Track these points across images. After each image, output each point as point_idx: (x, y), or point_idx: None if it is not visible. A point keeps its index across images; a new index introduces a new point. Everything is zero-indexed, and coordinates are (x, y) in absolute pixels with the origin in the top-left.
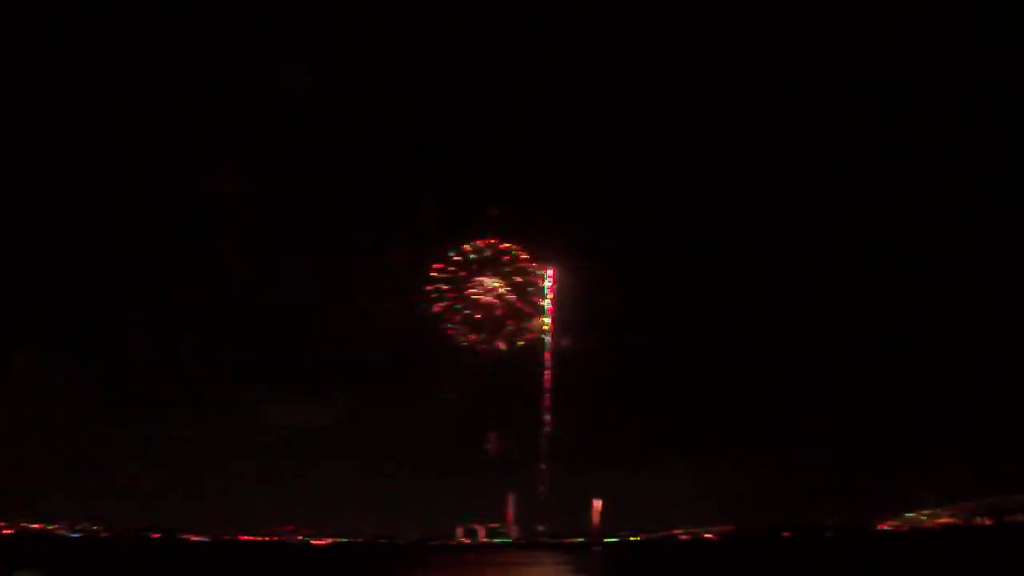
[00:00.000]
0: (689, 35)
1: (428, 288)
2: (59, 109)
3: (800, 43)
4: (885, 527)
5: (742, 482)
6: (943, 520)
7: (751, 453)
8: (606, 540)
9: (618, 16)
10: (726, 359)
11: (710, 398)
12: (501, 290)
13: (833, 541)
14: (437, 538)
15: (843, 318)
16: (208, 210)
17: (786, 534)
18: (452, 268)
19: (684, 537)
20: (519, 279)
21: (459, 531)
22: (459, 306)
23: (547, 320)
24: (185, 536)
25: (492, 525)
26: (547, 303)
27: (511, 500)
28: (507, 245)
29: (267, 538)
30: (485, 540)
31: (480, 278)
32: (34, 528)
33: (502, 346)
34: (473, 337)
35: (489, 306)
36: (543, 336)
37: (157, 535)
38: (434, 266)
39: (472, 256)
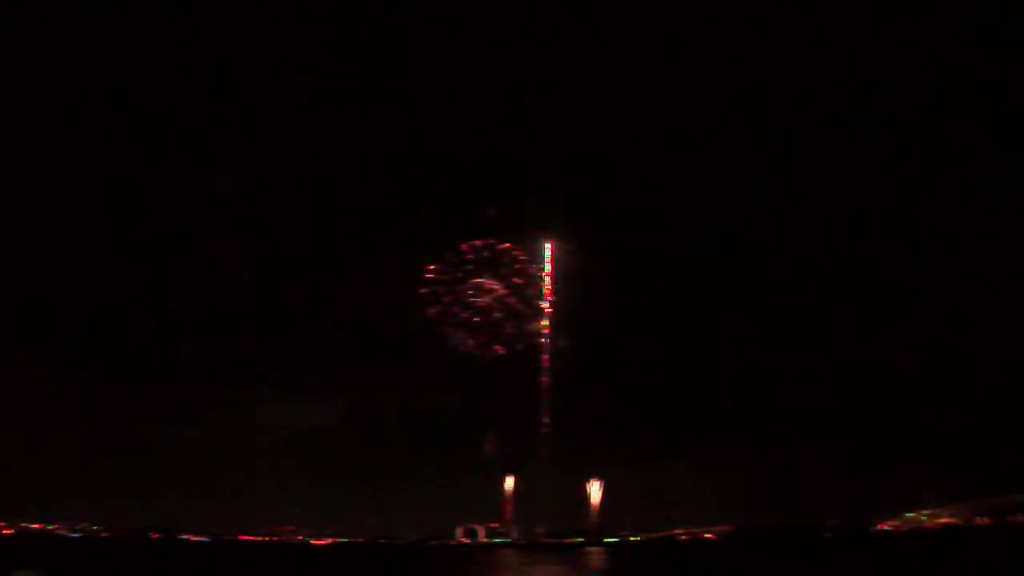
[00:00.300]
0: (688, 34)
1: (426, 290)
2: (59, 109)
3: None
4: (885, 527)
5: (742, 482)
6: (943, 520)
7: (751, 453)
8: (606, 540)
9: (618, 15)
10: (726, 360)
11: (710, 398)
12: (499, 293)
13: (833, 541)
14: (437, 538)
15: (843, 319)
16: (208, 211)
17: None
18: (450, 270)
19: (684, 537)
20: (518, 280)
21: (459, 531)
22: (457, 309)
23: (545, 322)
24: (185, 536)
25: (492, 525)
26: (546, 278)
27: (511, 500)
28: (505, 246)
29: (267, 538)
30: (485, 540)
31: (478, 280)
32: (34, 528)
33: (501, 350)
34: (472, 340)
35: (487, 308)
36: (542, 337)
37: (157, 535)
38: (432, 267)
39: (470, 257)
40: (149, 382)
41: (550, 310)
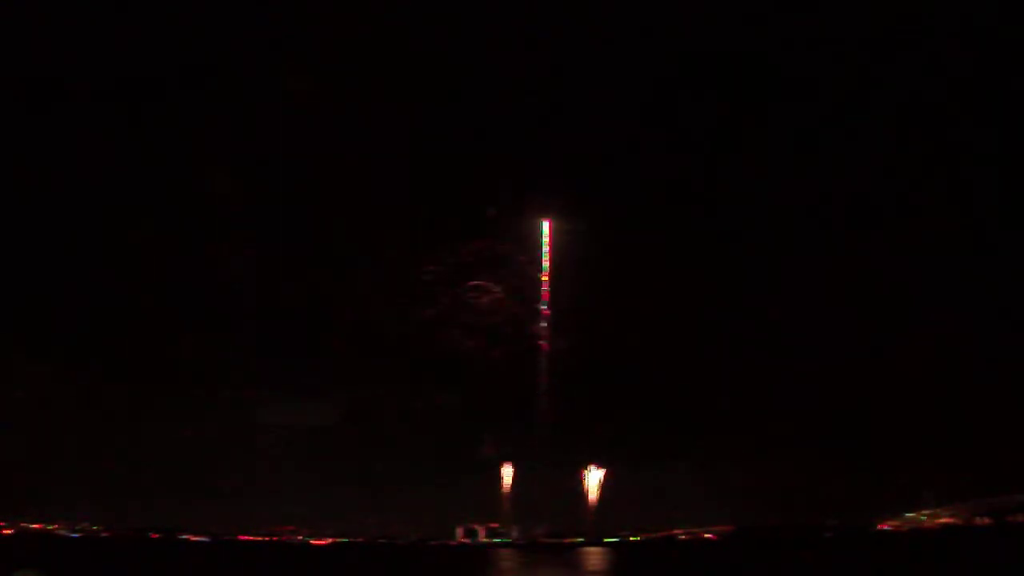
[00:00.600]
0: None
1: (425, 291)
2: (59, 109)
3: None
4: (885, 527)
5: (742, 482)
6: (943, 520)
7: (751, 453)
8: (606, 540)
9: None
10: (726, 358)
11: (710, 397)
12: (499, 295)
13: (833, 541)
14: (437, 538)
15: (844, 319)
16: (208, 211)
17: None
18: (449, 270)
19: (684, 537)
20: (516, 282)
21: (459, 531)
22: (457, 309)
23: (545, 309)
24: (185, 536)
25: (492, 525)
26: (544, 258)
27: (511, 500)
28: (505, 247)
29: (267, 538)
30: (485, 540)
31: (477, 282)
32: (34, 528)
33: (499, 351)
34: (471, 341)
35: (486, 309)
36: (541, 337)
37: (157, 535)
38: (431, 268)
39: (469, 259)
40: (149, 382)
41: (547, 293)
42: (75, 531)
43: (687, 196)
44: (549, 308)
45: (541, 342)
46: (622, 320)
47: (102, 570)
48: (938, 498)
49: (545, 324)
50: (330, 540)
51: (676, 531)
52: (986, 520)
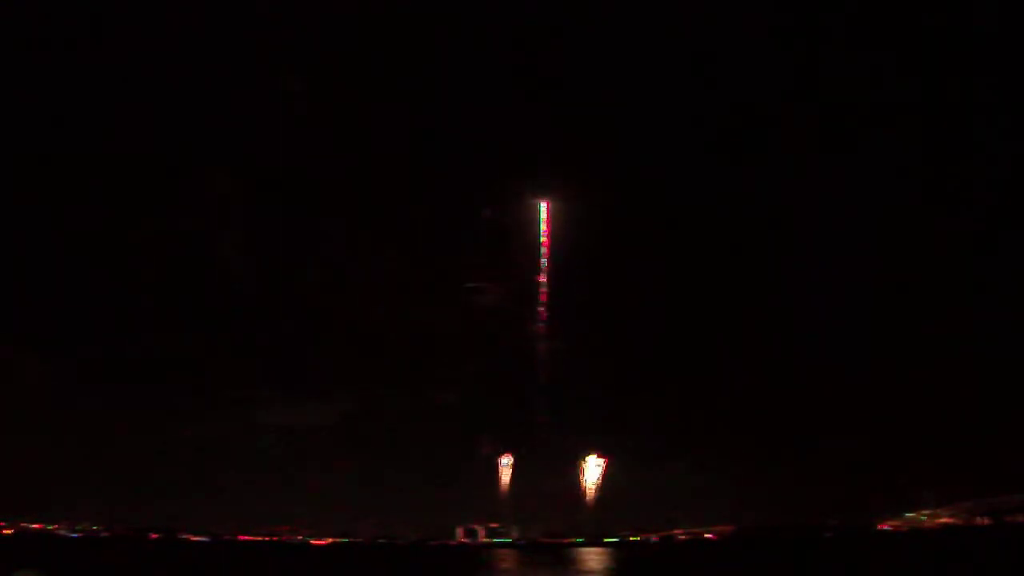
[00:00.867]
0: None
1: (425, 291)
2: (58, 109)
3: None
4: (885, 527)
5: (742, 482)
6: (943, 520)
7: (751, 453)
8: (606, 540)
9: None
10: (727, 360)
11: (711, 398)
12: (498, 296)
13: (833, 541)
14: (437, 538)
15: (844, 319)
16: (208, 210)
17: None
18: (450, 272)
19: (684, 537)
20: (516, 281)
21: (459, 531)
22: (456, 310)
23: (543, 324)
24: (185, 536)
25: (492, 525)
26: (542, 239)
27: (510, 495)
28: (504, 249)
29: (267, 538)
30: (485, 540)
31: (476, 281)
32: (34, 528)
33: (499, 348)
34: (470, 341)
35: (486, 310)
36: (540, 336)
37: (157, 535)
38: (431, 270)
39: (469, 259)
40: (149, 382)
41: (546, 279)
42: (75, 531)
43: (688, 194)
44: (547, 296)
45: (539, 336)
46: (621, 321)
47: (102, 570)
48: (938, 498)
49: (543, 308)
50: (330, 540)
51: (676, 531)
52: (986, 520)
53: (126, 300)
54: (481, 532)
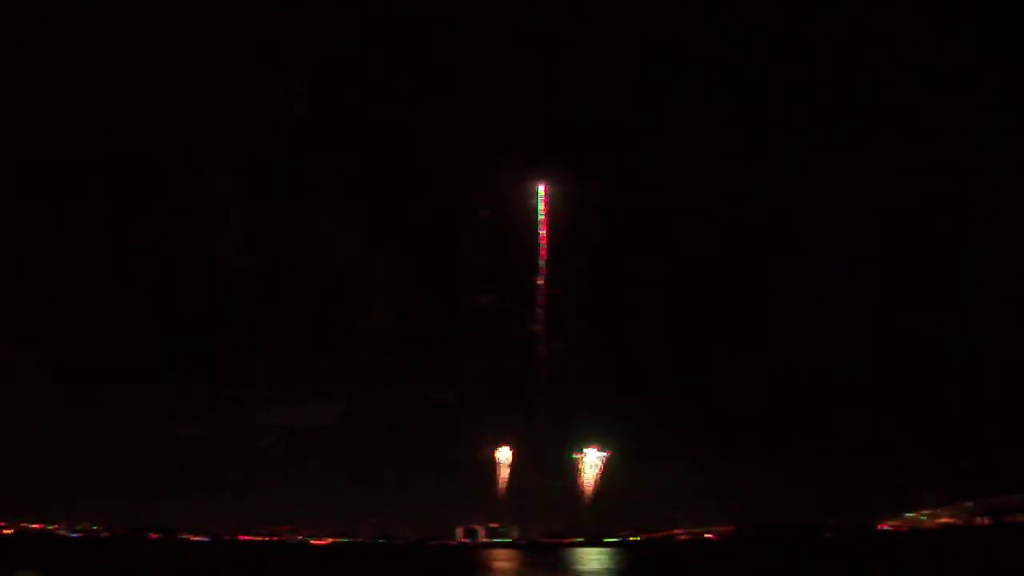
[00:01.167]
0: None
1: (427, 292)
2: (58, 108)
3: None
4: (885, 527)
5: (742, 482)
6: (943, 520)
7: (751, 453)
8: (606, 540)
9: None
10: (727, 360)
11: (711, 398)
12: (497, 300)
13: (833, 541)
14: (437, 538)
15: (844, 319)
16: (208, 210)
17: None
18: (450, 272)
19: (684, 537)
20: (515, 286)
21: (459, 531)
22: (457, 311)
23: (543, 324)
24: (185, 536)
25: (492, 525)
26: (540, 221)
27: (509, 491)
28: (503, 252)
29: (267, 538)
30: (485, 540)
31: (476, 285)
32: (34, 528)
33: (498, 352)
34: (470, 344)
35: (486, 311)
36: (540, 336)
37: (157, 535)
38: (431, 270)
39: (468, 260)
40: (149, 382)
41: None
42: (75, 531)
43: (688, 194)
44: (547, 296)
45: (539, 336)
46: (621, 321)
47: (102, 570)
48: (938, 498)
49: (543, 308)
50: (330, 540)
51: (676, 531)
52: (986, 520)
53: (126, 300)
54: (481, 532)
